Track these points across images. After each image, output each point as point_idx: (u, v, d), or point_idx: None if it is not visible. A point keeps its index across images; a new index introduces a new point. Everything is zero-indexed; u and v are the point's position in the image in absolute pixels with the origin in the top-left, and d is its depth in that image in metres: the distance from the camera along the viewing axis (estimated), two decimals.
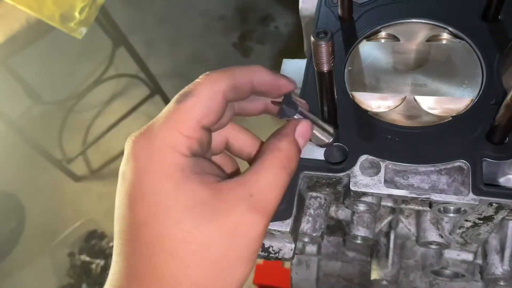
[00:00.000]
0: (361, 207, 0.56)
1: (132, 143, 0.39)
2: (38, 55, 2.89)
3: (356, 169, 0.53)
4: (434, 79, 0.58)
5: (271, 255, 0.56)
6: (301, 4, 0.71)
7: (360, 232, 0.66)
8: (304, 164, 0.55)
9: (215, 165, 0.42)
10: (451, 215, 0.52)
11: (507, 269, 0.63)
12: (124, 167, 0.39)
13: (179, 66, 2.95)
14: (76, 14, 2.00)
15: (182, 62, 2.95)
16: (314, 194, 0.59)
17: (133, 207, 0.37)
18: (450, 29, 0.61)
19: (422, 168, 0.52)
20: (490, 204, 0.50)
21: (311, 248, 0.80)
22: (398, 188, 0.52)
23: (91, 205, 2.58)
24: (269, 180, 0.39)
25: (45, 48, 2.88)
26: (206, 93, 0.39)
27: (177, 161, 0.37)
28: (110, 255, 2.32)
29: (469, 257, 0.67)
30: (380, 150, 0.54)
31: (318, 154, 0.55)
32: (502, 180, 0.54)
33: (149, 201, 0.36)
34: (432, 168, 0.52)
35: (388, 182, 0.52)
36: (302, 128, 0.44)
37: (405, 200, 0.61)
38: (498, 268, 0.64)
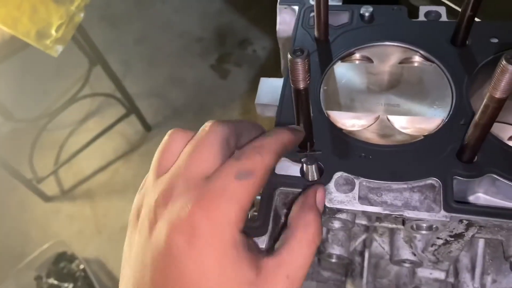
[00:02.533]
0: (336, 224, 0.57)
1: (190, 213, 0.38)
2: (11, 72, 2.85)
3: (331, 185, 0.54)
4: (406, 100, 0.60)
5: None
6: (278, 26, 0.73)
7: (335, 250, 0.66)
8: (280, 181, 0.55)
9: (251, 238, 0.45)
10: (424, 232, 0.53)
11: (478, 287, 0.64)
12: (172, 232, 0.38)
13: (156, 86, 2.95)
14: (53, 31, 1.98)
15: (159, 82, 2.95)
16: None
17: (169, 277, 0.37)
18: (422, 52, 0.63)
19: (395, 185, 0.53)
20: (461, 221, 0.51)
21: None
22: (372, 204, 0.52)
23: (61, 227, 2.51)
24: (302, 260, 0.41)
25: (19, 66, 2.84)
26: (263, 172, 0.42)
27: (234, 237, 0.38)
28: (80, 278, 2.26)
29: (441, 275, 0.68)
30: (354, 167, 0.54)
31: (294, 170, 0.56)
32: (471, 198, 0.56)
33: (195, 276, 0.37)
34: (405, 186, 0.53)
35: (362, 199, 0.53)
36: (321, 196, 0.48)
37: (379, 217, 0.62)
38: (469, 286, 0.65)
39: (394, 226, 0.62)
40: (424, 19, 0.67)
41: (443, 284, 0.70)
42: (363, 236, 0.69)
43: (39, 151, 2.72)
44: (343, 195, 0.53)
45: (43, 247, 2.28)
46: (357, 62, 0.65)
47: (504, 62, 0.40)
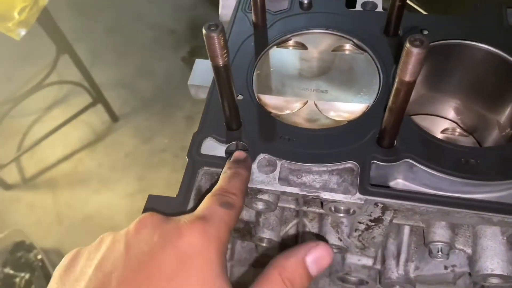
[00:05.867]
0: (260, 205, 0.57)
1: (188, 229, 0.40)
2: None
3: (254, 166, 0.54)
4: (335, 86, 0.61)
5: None
6: (220, 10, 0.73)
7: (266, 234, 0.67)
8: (204, 160, 0.55)
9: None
10: (341, 215, 0.54)
11: (402, 273, 0.66)
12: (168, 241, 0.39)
13: (125, 76, 2.91)
14: (16, 14, 1.94)
15: (128, 73, 2.91)
16: None
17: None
18: (355, 40, 0.64)
19: (315, 168, 0.54)
20: (376, 204, 0.52)
21: None
22: (291, 185, 0.53)
23: (21, 215, 2.45)
24: None
25: None
26: (239, 208, 0.46)
27: (221, 255, 0.40)
28: (37, 268, 2.22)
29: (368, 262, 0.69)
30: (278, 150, 0.55)
31: (220, 151, 0.56)
32: (392, 184, 0.57)
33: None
34: (325, 168, 0.54)
35: (283, 180, 0.53)
36: (318, 253, 0.42)
37: (306, 201, 0.62)
38: (393, 272, 0.66)
39: (321, 211, 0.63)
40: (361, 9, 0.68)
41: (372, 271, 0.71)
42: (294, 221, 0.69)
43: (1, 138, 2.65)
44: (264, 176, 0.53)
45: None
46: (291, 48, 0.65)
47: (408, 45, 0.41)
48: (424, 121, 0.73)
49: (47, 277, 2.19)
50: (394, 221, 0.57)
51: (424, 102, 0.70)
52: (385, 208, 0.53)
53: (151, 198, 0.53)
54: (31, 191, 2.54)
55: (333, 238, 0.64)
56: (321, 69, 0.62)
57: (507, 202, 0.51)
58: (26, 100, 2.71)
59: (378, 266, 0.69)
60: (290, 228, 0.70)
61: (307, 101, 0.59)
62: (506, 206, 0.49)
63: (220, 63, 0.47)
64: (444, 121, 0.75)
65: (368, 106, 0.58)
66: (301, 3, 0.68)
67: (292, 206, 0.63)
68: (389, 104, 0.48)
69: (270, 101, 0.60)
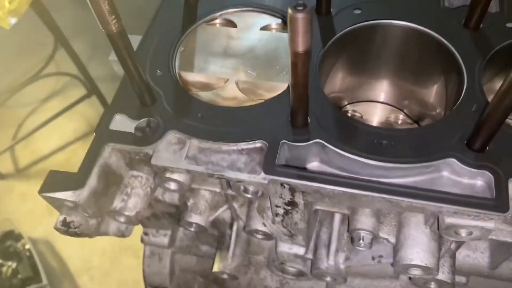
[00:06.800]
0: (172, 185, 0.55)
1: None
2: None
3: (162, 144, 0.52)
4: (258, 65, 0.58)
5: (70, 229, 0.54)
6: None
7: (193, 219, 0.65)
8: (112, 136, 0.53)
9: None
10: (249, 196, 0.52)
11: (332, 264, 0.63)
12: None
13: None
14: (6, 3, 1.95)
15: None
16: (135, 173, 0.58)
17: None
18: (285, 19, 0.62)
19: (225, 147, 0.51)
20: (282, 185, 0.49)
21: (162, 240, 0.77)
22: (197, 164, 0.51)
23: (12, 205, 2.47)
24: None
25: None
26: None
27: None
28: (24, 257, 2.23)
29: (300, 251, 0.66)
30: (190, 127, 0.53)
31: (129, 127, 0.54)
32: (309, 166, 0.54)
33: None
34: (234, 148, 0.51)
35: (190, 158, 0.51)
36: None
37: (230, 185, 0.60)
38: (323, 262, 0.63)
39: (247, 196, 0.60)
40: None
41: (305, 261, 0.68)
42: (224, 207, 0.67)
43: None
44: (171, 154, 0.51)
45: None
46: (220, 25, 0.63)
47: (290, 12, 0.38)
48: (369, 108, 0.71)
49: (33, 266, 2.20)
50: (318, 207, 0.55)
51: (362, 88, 0.67)
52: (292, 190, 0.50)
53: (52, 173, 0.51)
54: (24, 181, 2.56)
55: (258, 224, 0.62)
56: (247, 47, 0.60)
57: (421, 187, 0.48)
58: (23, 91, 2.73)
59: (310, 256, 0.66)
60: (220, 214, 0.67)
61: (228, 79, 0.57)
62: (415, 190, 0.47)
63: (113, 29, 0.45)
64: (390, 109, 0.72)
65: (288, 85, 0.55)
66: None
67: (217, 190, 0.61)
68: (290, 81, 0.46)
69: (190, 78, 0.58)
